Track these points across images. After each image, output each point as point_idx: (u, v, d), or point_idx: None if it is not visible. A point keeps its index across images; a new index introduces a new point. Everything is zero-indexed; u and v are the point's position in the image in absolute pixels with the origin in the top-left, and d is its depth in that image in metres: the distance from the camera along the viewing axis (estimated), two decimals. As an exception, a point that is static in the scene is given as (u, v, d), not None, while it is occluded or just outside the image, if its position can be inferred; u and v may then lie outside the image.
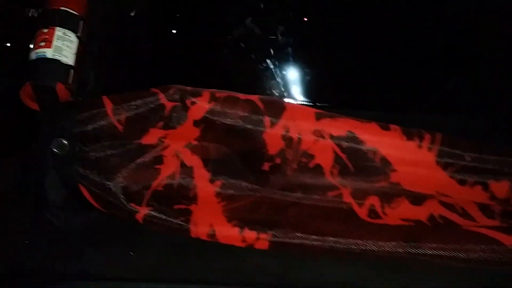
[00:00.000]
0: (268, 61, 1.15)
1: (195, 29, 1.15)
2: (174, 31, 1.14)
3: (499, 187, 0.79)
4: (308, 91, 1.19)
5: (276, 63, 1.16)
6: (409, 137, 0.79)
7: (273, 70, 1.15)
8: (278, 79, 1.16)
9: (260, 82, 1.15)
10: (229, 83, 0.85)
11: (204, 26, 1.17)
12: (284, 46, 1.17)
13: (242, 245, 0.78)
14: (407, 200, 0.86)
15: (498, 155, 0.78)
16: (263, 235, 0.77)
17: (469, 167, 0.78)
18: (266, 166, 0.84)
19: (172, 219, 0.79)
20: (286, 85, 1.17)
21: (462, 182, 0.80)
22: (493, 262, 0.73)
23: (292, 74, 1.19)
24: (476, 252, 0.73)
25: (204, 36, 1.11)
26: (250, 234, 0.77)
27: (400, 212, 0.86)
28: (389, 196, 0.86)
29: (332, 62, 1.18)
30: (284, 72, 1.17)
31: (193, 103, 0.79)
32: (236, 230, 0.78)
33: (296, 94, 1.20)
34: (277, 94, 1.14)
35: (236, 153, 0.86)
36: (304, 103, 1.13)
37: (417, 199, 0.86)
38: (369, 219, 0.85)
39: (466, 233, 0.77)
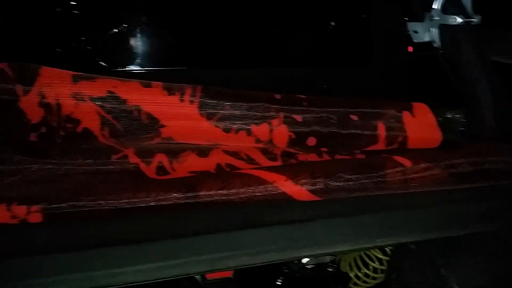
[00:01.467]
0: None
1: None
2: None
3: (260, 131, 0.86)
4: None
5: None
6: (171, 92, 0.80)
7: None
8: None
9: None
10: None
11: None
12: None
13: (14, 221, 0.74)
14: (193, 153, 0.89)
15: (254, 101, 0.83)
16: (34, 208, 0.73)
17: (230, 115, 0.83)
18: (33, 137, 0.80)
19: None
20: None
21: (226, 130, 0.84)
22: (256, 198, 0.77)
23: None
24: (242, 192, 0.77)
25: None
26: (19, 209, 0.73)
27: (188, 166, 0.89)
28: (175, 151, 0.89)
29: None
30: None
31: None
32: (2, 207, 0.74)
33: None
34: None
35: (-2, 126, 0.80)
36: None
37: (202, 151, 0.90)
38: (157, 176, 0.86)
39: (235, 175, 0.82)
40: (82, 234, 0.73)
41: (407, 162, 0.81)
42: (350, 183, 0.78)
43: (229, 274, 1.06)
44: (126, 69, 1.08)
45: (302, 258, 1.05)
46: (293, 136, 0.87)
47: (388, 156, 0.84)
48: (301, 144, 0.88)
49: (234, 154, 0.91)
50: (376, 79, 1.26)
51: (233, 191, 0.78)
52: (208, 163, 0.90)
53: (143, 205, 0.76)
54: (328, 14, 1.27)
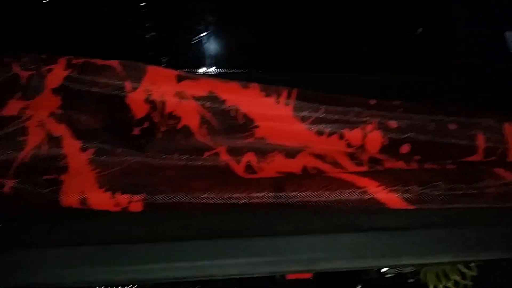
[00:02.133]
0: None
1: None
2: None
3: (353, 135, 0.85)
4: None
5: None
6: (267, 93, 0.82)
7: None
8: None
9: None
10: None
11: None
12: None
13: (116, 209, 0.79)
14: (280, 154, 0.91)
15: (348, 106, 0.83)
16: (136, 197, 0.78)
17: (324, 119, 0.83)
18: (136, 131, 0.85)
19: (41, 190, 0.78)
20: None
21: (319, 133, 0.85)
22: (347, 202, 0.77)
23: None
24: (333, 195, 0.78)
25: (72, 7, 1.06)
26: (122, 198, 0.78)
27: (275, 166, 0.90)
28: (263, 151, 0.91)
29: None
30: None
31: (49, 70, 0.77)
32: (107, 194, 0.79)
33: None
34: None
35: (105, 120, 0.85)
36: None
37: (290, 153, 0.91)
38: (246, 175, 0.89)
39: (327, 179, 0.82)
40: (178, 226, 0.76)
41: (508, 176, 0.78)
42: (446, 193, 0.76)
43: (309, 275, 1.06)
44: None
45: (399, 267, 1.03)
46: (386, 143, 0.86)
47: (487, 168, 0.80)
48: (394, 151, 0.87)
49: (321, 157, 0.91)
50: (457, 90, 1.21)
51: (324, 193, 0.78)
52: (294, 165, 0.91)
53: (234, 201, 0.78)
54: (411, 22, 1.24)
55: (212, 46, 1.14)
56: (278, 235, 0.68)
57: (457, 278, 1.07)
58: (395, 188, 0.77)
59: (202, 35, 1.12)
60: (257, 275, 0.68)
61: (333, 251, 0.67)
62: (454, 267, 1.09)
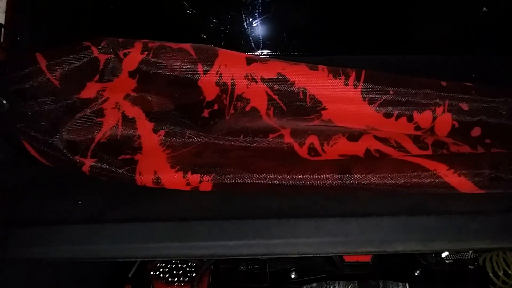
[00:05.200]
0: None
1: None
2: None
3: (423, 118, 0.84)
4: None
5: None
6: (335, 75, 0.82)
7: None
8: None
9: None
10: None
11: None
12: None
13: (187, 188, 0.82)
14: (343, 137, 0.91)
15: (418, 88, 0.82)
16: (206, 177, 0.81)
17: (393, 101, 0.83)
18: (206, 113, 0.88)
19: (118, 169, 0.82)
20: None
21: (387, 116, 0.84)
22: (417, 186, 0.77)
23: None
24: (402, 177, 0.78)
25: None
26: (193, 177, 0.81)
27: (338, 149, 0.91)
28: (326, 134, 0.91)
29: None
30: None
31: (125, 54, 0.80)
32: (180, 174, 0.82)
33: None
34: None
35: (176, 103, 0.88)
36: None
37: (353, 135, 0.91)
38: (309, 157, 0.90)
39: (394, 161, 0.82)
40: (248, 205, 0.78)
41: None
42: None
43: (367, 258, 1.07)
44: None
45: (472, 250, 1.02)
46: (457, 125, 0.84)
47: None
48: (464, 134, 0.85)
49: (384, 140, 0.91)
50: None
51: (392, 176, 0.78)
52: (357, 148, 0.91)
53: (301, 183, 0.79)
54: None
55: (268, 28, 1.14)
56: (349, 216, 0.69)
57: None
58: (466, 171, 0.76)
59: (258, 18, 1.12)
60: (329, 255, 0.69)
61: (406, 233, 0.67)
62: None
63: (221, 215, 0.73)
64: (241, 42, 1.13)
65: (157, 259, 1.01)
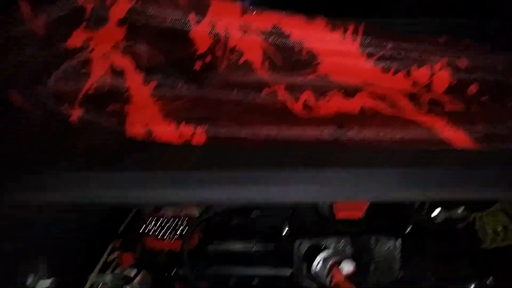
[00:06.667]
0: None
1: None
2: None
3: (420, 74, 0.82)
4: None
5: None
6: (333, 28, 0.79)
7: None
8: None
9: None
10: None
11: None
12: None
13: (180, 141, 0.81)
14: (339, 93, 0.89)
15: (416, 43, 0.80)
16: (199, 129, 0.79)
17: (391, 55, 0.81)
18: (197, 65, 0.85)
19: (106, 120, 0.80)
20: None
21: (385, 70, 0.82)
22: (413, 142, 0.77)
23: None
24: (397, 133, 0.78)
25: None
26: (186, 129, 0.79)
27: (333, 105, 0.89)
28: (321, 89, 0.89)
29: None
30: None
31: (113, 2, 0.77)
32: (172, 126, 0.80)
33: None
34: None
35: (167, 54, 0.85)
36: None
37: (349, 92, 0.89)
38: (304, 112, 0.88)
39: (389, 118, 0.82)
40: (242, 157, 0.78)
41: None
42: None
43: (359, 215, 1.08)
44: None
45: (472, 202, 1.03)
46: (454, 82, 0.83)
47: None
48: (461, 91, 0.84)
49: (379, 98, 0.89)
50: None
51: (386, 131, 0.78)
52: (352, 105, 0.89)
53: (295, 137, 0.79)
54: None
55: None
56: (346, 166, 0.69)
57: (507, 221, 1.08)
58: (462, 126, 0.76)
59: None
60: (329, 202, 0.70)
61: (406, 183, 0.68)
62: (503, 211, 1.09)
63: (217, 165, 0.72)
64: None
65: (153, 204, 1.01)
